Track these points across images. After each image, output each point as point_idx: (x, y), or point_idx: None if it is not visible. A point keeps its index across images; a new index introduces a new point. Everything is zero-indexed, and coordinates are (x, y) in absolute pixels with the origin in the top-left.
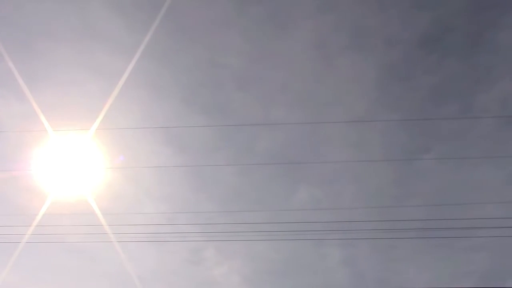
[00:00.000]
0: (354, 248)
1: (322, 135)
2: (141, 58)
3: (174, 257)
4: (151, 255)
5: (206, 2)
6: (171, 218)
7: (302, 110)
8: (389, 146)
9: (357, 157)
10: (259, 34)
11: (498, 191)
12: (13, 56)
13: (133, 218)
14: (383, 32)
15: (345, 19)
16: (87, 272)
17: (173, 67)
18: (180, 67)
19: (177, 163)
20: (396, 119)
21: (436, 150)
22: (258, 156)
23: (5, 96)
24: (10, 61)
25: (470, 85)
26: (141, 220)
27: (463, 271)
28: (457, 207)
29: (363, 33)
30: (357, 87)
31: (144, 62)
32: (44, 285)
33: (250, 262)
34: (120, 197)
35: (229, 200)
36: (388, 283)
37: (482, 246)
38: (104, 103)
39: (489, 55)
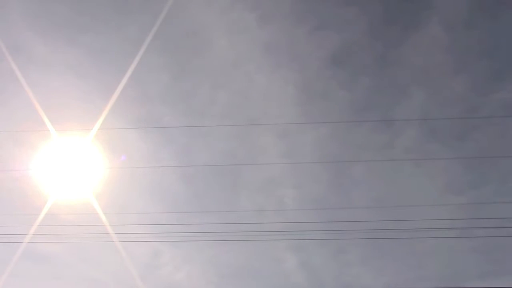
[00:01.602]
0: (308, 252)
1: (253, 146)
2: (68, 75)
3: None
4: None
5: (123, 23)
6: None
7: (230, 123)
8: (319, 156)
9: (289, 165)
10: (178, 52)
11: (425, 196)
12: None
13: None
14: (294, 51)
15: (256, 39)
16: (46, 276)
17: (100, 83)
18: (106, 83)
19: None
20: (321, 131)
21: (364, 158)
22: (196, 164)
23: None
24: None
25: (385, 99)
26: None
27: (417, 275)
28: (395, 210)
29: (275, 51)
30: (279, 101)
31: (71, 79)
32: None
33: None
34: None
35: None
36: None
37: (426, 249)
38: (41, 115)
39: (397, 71)
